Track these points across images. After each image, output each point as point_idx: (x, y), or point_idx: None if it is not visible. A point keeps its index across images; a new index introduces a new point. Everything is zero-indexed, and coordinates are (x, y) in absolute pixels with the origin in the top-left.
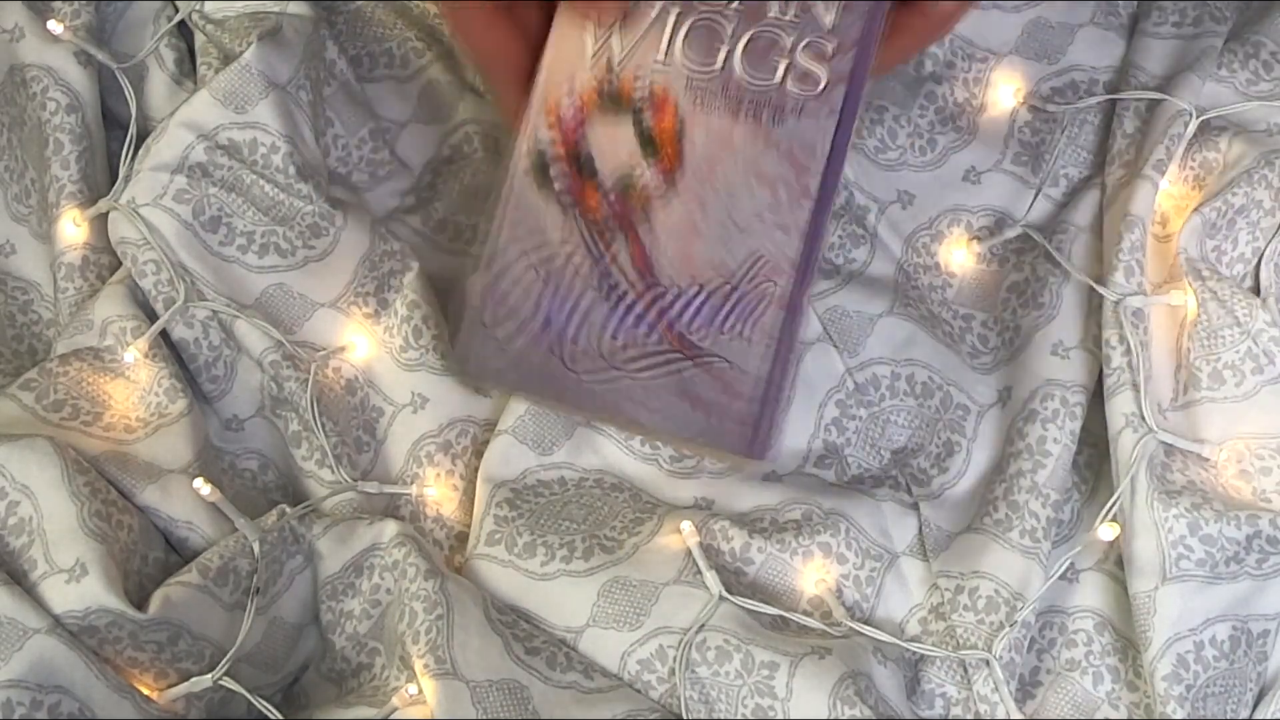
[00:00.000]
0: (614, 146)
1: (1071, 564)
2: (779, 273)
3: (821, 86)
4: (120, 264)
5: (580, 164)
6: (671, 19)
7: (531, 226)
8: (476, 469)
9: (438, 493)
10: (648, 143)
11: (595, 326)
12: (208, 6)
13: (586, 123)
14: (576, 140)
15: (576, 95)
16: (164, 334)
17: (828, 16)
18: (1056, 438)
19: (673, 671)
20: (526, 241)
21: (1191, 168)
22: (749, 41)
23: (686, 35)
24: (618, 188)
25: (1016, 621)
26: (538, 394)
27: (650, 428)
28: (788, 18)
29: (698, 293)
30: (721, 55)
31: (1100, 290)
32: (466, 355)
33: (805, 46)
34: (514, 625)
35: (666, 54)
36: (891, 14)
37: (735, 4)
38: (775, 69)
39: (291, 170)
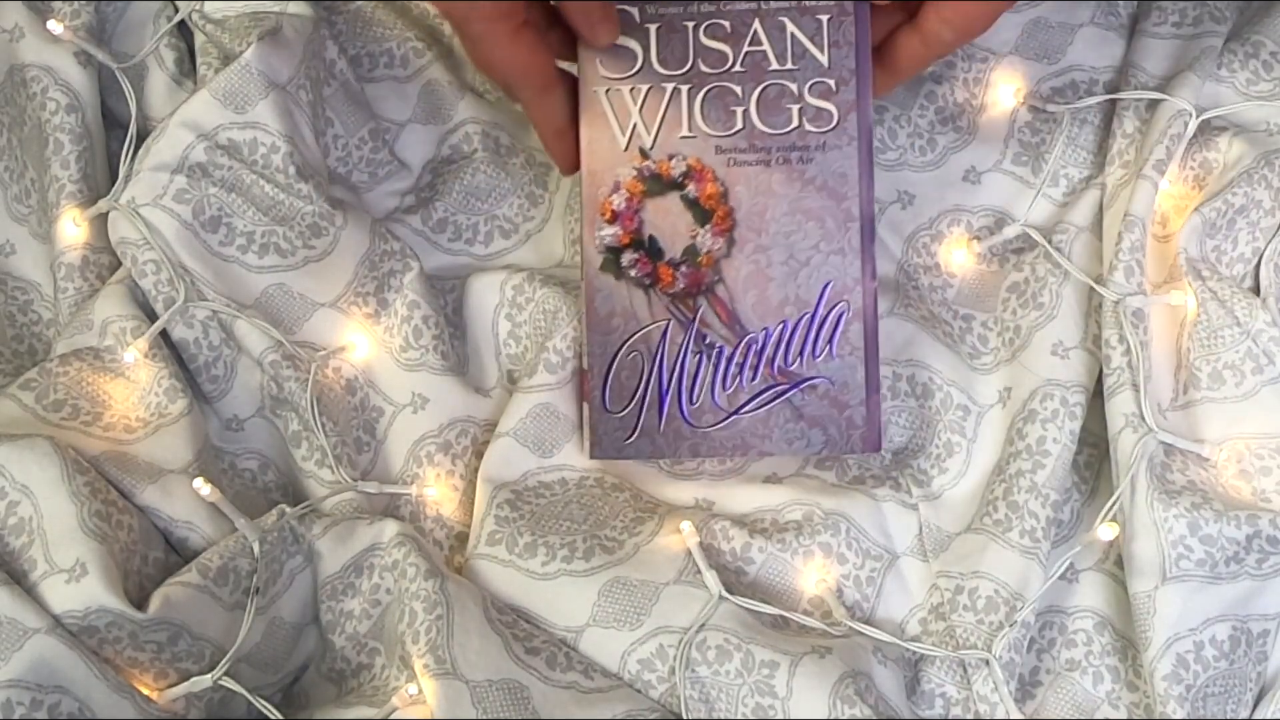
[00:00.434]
0: (670, 223)
1: (1071, 564)
2: (848, 290)
3: (835, 120)
4: (120, 264)
5: (646, 248)
6: (684, 96)
7: (622, 314)
8: (476, 469)
9: (438, 493)
10: (699, 212)
11: (705, 383)
12: (208, 6)
13: (640, 210)
14: (636, 228)
15: (623, 188)
16: (164, 334)
17: (822, 56)
18: (1056, 438)
19: (673, 671)
20: (623, 329)
21: (1191, 168)
22: (760, 97)
23: (703, 106)
24: (686, 259)
25: (1016, 621)
26: (672, 454)
27: (776, 452)
28: (787, 67)
29: (784, 329)
30: (739, 116)
31: (1100, 290)
32: (598, 441)
33: (811, 88)
34: (514, 625)
35: (690, 128)
36: (892, 37)
37: (738, 67)
38: (790, 115)
39: (291, 170)
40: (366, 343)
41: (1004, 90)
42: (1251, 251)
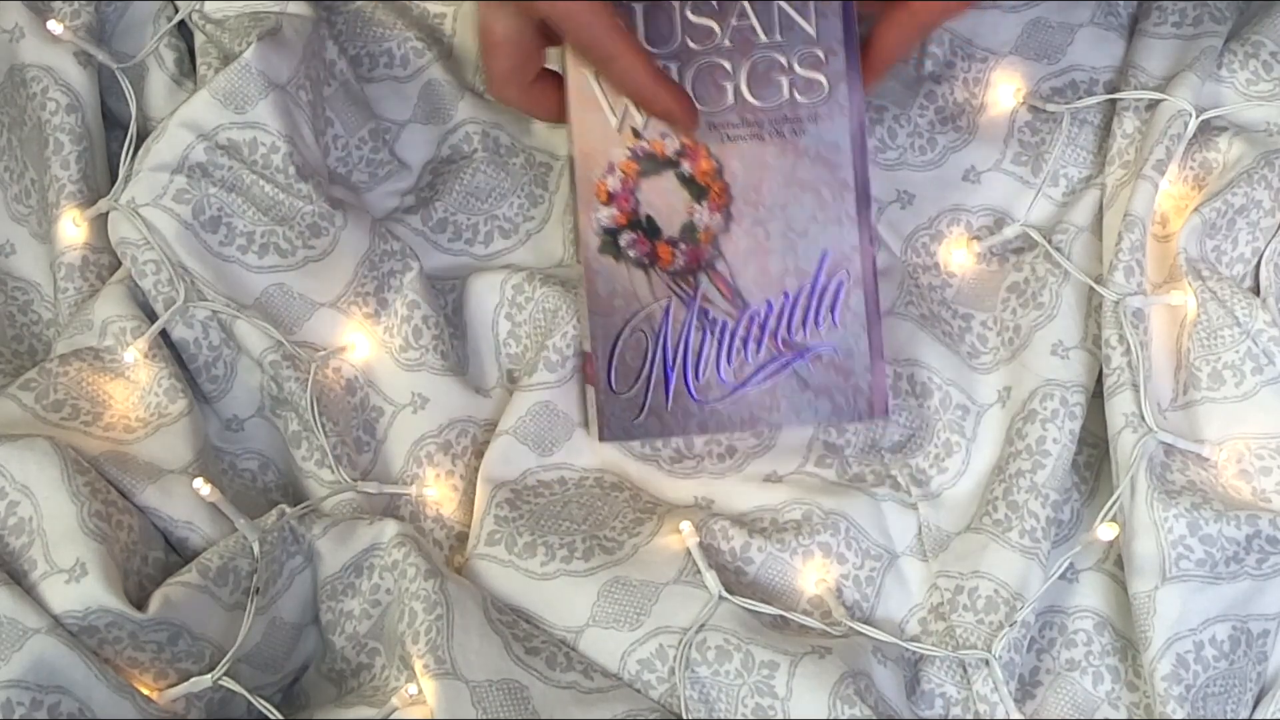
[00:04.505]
0: (667, 202)
1: (1071, 564)
2: (847, 260)
3: (826, 90)
4: (120, 264)
5: (644, 227)
6: (674, 74)
7: (623, 295)
8: (476, 469)
9: (438, 493)
10: (694, 189)
11: (710, 359)
12: (208, 6)
13: (636, 190)
14: (633, 208)
15: (618, 169)
16: (164, 334)
17: (809, 27)
18: (1056, 438)
19: (673, 671)
20: (625, 309)
21: (1191, 168)
22: (749, 71)
23: (693, 83)
24: (684, 237)
25: (1016, 621)
26: (680, 431)
27: (785, 424)
28: (775, 39)
29: (785, 301)
30: (730, 91)
31: (1100, 290)
32: (606, 423)
33: (800, 59)
34: (514, 625)
35: None
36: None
37: (726, 41)
38: (780, 87)
39: (291, 170)
40: (366, 343)
41: (1004, 90)
42: (1251, 251)
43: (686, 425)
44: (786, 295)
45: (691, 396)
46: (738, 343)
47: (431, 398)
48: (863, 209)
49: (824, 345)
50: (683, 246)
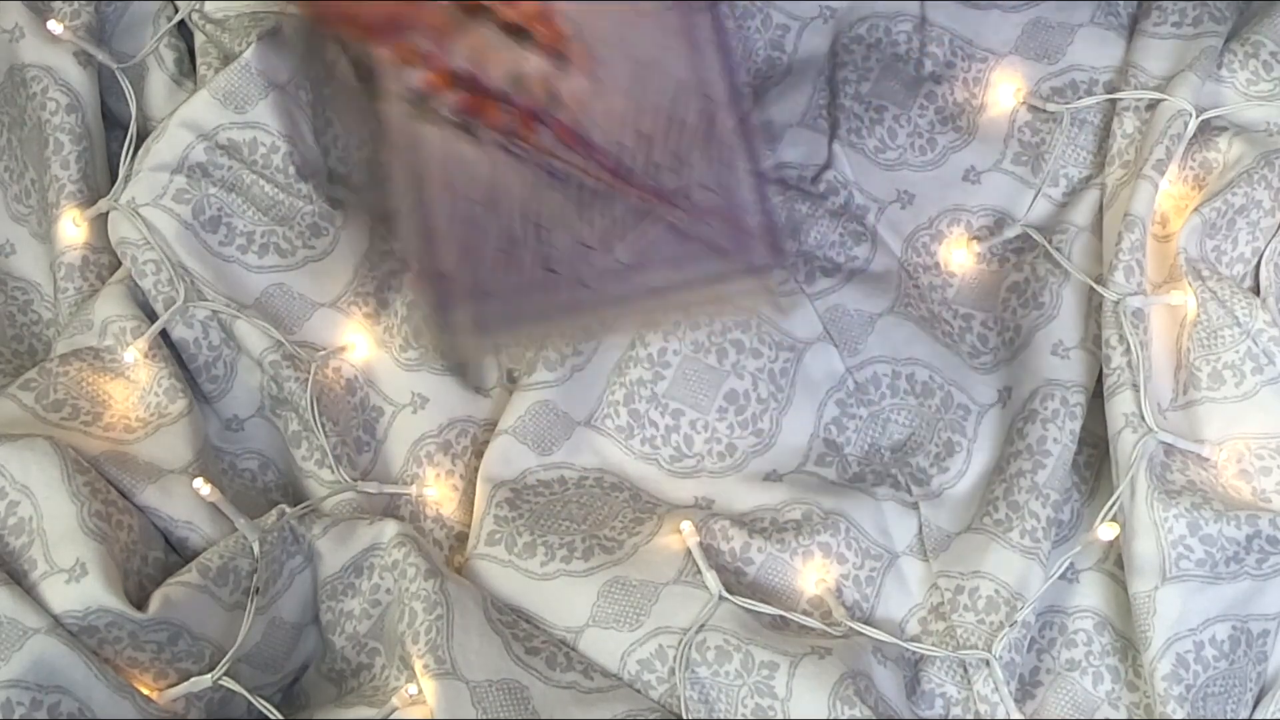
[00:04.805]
0: (486, 54)
1: (1071, 564)
2: (710, 86)
3: None
4: (120, 264)
5: (465, 86)
6: None
7: (445, 164)
8: (476, 469)
9: (438, 493)
10: (516, 32)
11: (568, 222)
12: (208, 6)
13: (449, 46)
14: (447, 66)
15: (424, 26)
16: (164, 334)
17: None
18: (1056, 438)
19: (672, 671)
20: (453, 184)
21: (1191, 168)
22: None
23: None
24: (512, 88)
25: (1016, 621)
26: (546, 317)
27: (667, 286)
28: None
29: (645, 142)
30: None
31: (1100, 290)
32: (456, 330)
33: None
34: (514, 625)
35: None
36: None
37: None
38: None
39: (291, 170)
40: (366, 343)
41: (1004, 90)
42: (1251, 251)
43: (551, 309)
44: (644, 136)
45: (554, 271)
46: (598, 198)
47: (431, 398)
48: (719, 28)
49: (699, 186)
50: (512, 99)
